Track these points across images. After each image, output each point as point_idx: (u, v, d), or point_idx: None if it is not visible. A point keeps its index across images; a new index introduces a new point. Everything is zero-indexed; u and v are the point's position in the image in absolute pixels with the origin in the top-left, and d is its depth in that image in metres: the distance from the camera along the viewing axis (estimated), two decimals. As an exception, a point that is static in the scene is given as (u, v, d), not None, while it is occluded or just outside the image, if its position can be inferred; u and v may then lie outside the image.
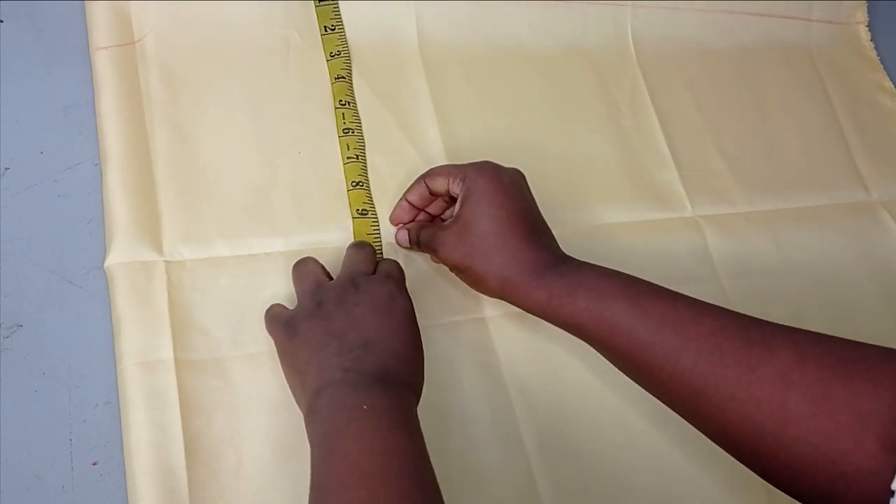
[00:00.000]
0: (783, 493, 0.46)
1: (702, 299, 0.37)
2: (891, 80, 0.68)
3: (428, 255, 0.47)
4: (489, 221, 0.41)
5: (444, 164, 0.45)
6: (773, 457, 0.33)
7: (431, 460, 0.42)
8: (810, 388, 0.31)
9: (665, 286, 0.39)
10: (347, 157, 0.49)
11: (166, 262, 0.43)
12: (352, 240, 0.47)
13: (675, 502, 0.46)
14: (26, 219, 0.43)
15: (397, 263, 0.44)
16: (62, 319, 0.41)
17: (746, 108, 0.62)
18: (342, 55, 0.51)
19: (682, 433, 0.47)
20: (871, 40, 0.70)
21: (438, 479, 0.41)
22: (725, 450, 0.36)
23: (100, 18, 0.47)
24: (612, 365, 0.39)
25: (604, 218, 0.53)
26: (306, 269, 0.43)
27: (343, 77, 0.51)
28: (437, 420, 0.43)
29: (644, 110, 0.59)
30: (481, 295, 0.48)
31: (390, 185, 0.49)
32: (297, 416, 0.41)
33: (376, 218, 0.47)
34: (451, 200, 0.44)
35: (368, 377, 0.37)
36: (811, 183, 0.61)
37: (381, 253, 0.47)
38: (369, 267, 0.43)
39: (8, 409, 0.39)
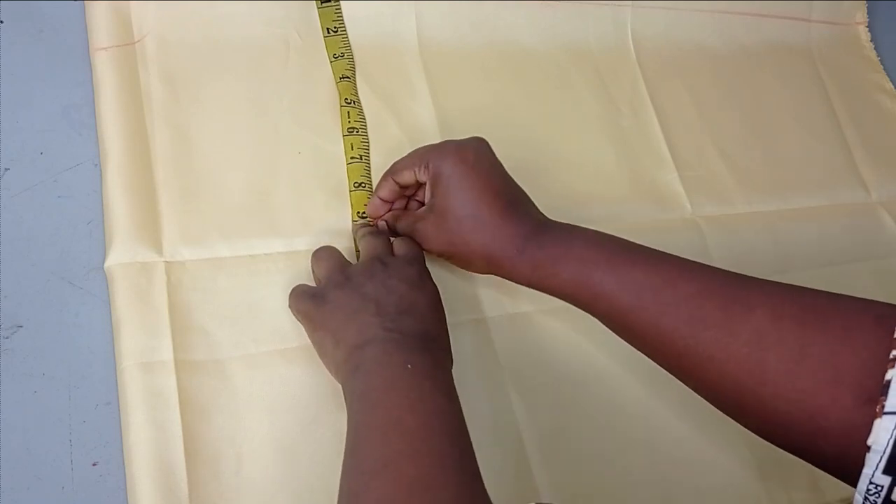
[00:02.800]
0: (780, 491, 0.46)
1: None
2: (891, 80, 0.68)
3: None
4: (462, 205, 0.41)
5: (408, 155, 0.44)
6: (754, 412, 0.33)
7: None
8: (787, 346, 0.32)
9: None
10: (351, 157, 0.49)
11: (166, 262, 0.43)
12: (352, 242, 0.46)
13: (675, 501, 0.46)
14: (26, 219, 0.43)
15: (415, 242, 0.44)
16: (62, 320, 0.41)
17: (746, 109, 0.62)
18: (346, 57, 0.51)
19: (683, 430, 0.47)
20: (871, 41, 0.70)
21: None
22: (711, 403, 0.36)
23: (100, 18, 0.47)
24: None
25: (604, 217, 0.53)
26: (327, 254, 0.44)
27: (347, 77, 0.51)
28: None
29: (644, 110, 0.59)
30: (481, 295, 0.48)
31: (390, 186, 0.49)
32: (296, 416, 0.42)
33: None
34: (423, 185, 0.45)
35: (411, 338, 0.38)
36: (811, 183, 0.61)
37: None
38: (390, 250, 0.44)
39: (8, 410, 0.39)
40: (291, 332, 0.43)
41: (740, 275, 0.36)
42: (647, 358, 0.47)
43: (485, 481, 0.43)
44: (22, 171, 0.44)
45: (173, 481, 0.38)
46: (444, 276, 0.47)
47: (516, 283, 0.41)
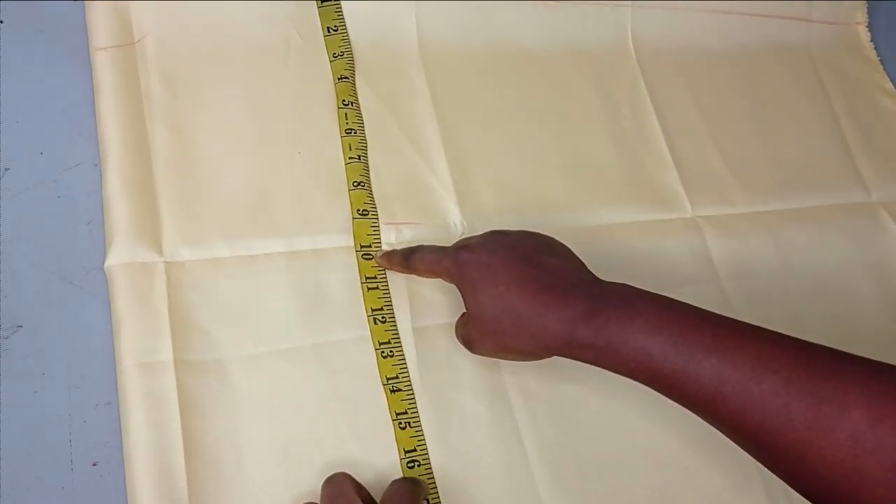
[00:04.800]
0: (781, 495, 0.46)
1: (733, 319, 0.37)
2: (891, 80, 0.68)
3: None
4: (494, 304, 0.39)
5: (427, 251, 0.44)
6: None
7: (431, 457, 0.42)
8: (886, 453, 0.30)
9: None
10: (349, 158, 0.49)
11: (166, 262, 0.43)
12: (352, 241, 0.46)
13: (675, 502, 0.46)
14: (26, 219, 0.43)
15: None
16: (62, 320, 0.41)
17: (746, 109, 0.62)
18: (345, 56, 0.51)
19: (683, 434, 0.47)
20: (871, 41, 0.70)
21: (438, 478, 0.42)
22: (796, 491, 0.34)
23: (99, 19, 0.47)
24: None
25: (604, 218, 0.53)
26: (339, 490, 0.38)
27: (346, 77, 0.51)
28: (438, 420, 0.43)
29: (644, 110, 0.59)
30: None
31: (390, 186, 0.49)
32: (296, 416, 0.42)
33: (377, 218, 0.48)
34: None
35: None
36: (811, 183, 0.61)
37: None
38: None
39: (8, 410, 0.39)
40: (291, 332, 0.43)
41: (829, 355, 0.34)
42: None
43: (484, 481, 0.43)
44: (22, 171, 0.44)
45: (173, 481, 0.38)
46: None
47: (583, 362, 0.39)
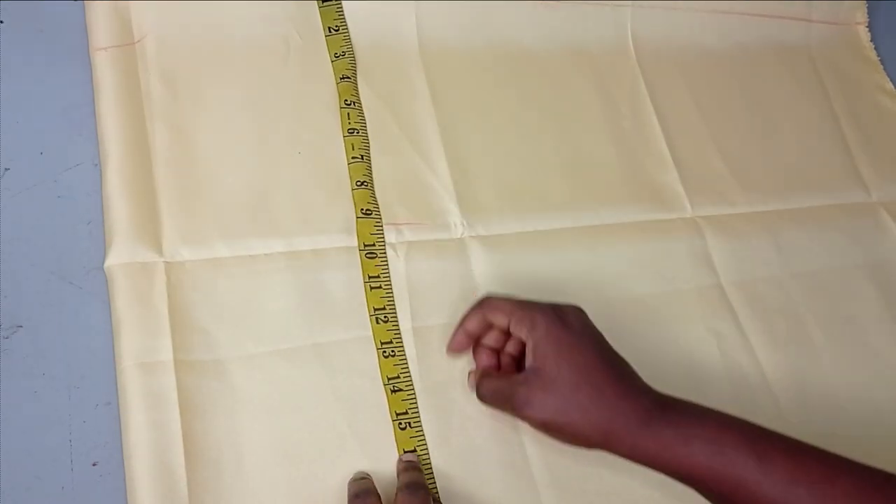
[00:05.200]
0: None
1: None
2: (891, 80, 0.68)
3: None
4: (576, 371, 0.38)
5: (501, 297, 0.42)
6: None
7: (431, 458, 0.42)
8: None
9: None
10: (352, 157, 0.49)
11: (166, 262, 0.43)
12: (352, 241, 0.46)
13: (675, 501, 0.46)
14: (26, 219, 0.43)
15: None
16: (62, 320, 0.41)
17: (746, 109, 0.62)
18: (346, 56, 0.51)
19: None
20: (872, 41, 0.70)
21: (438, 479, 0.42)
22: None
23: (99, 19, 0.47)
24: None
25: (604, 218, 0.53)
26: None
27: (348, 77, 0.51)
28: (438, 420, 0.43)
29: (644, 110, 0.59)
30: (481, 295, 0.48)
31: (390, 186, 0.49)
32: (296, 416, 0.42)
33: (380, 218, 0.48)
34: (508, 334, 0.42)
35: None
36: (811, 183, 0.61)
37: (385, 253, 0.47)
38: None
39: (8, 410, 0.39)
40: (291, 332, 0.43)
41: (887, 472, 0.35)
42: (645, 361, 0.47)
43: (485, 481, 0.43)
44: (22, 171, 0.44)
45: (173, 481, 0.38)
46: (443, 275, 0.47)
47: (635, 461, 0.38)
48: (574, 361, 0.38)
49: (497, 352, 0.43)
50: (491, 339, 0.43)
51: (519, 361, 0.43)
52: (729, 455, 0.35)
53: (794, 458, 0.35)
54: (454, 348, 0.43)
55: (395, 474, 0.42)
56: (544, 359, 0.39)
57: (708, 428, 0.36)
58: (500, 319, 0.41)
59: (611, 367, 0.39)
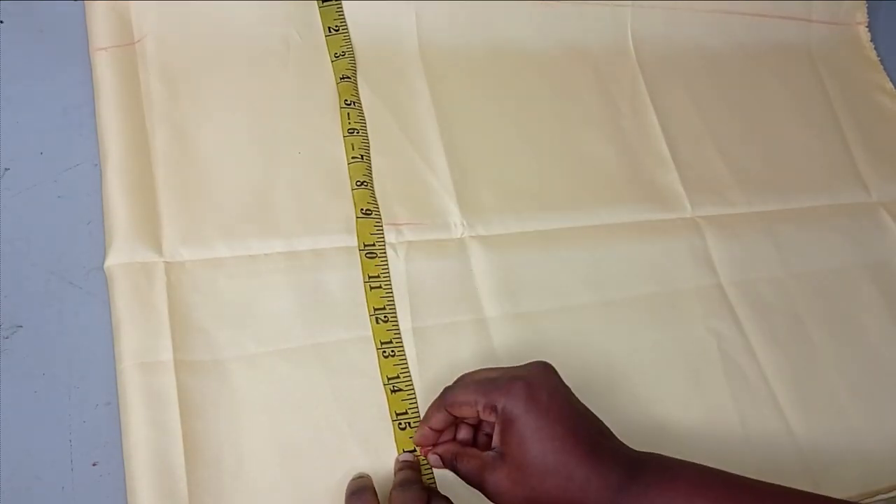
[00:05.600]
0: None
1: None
2: (891, 80, 0.68)
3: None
4: (544, 458, 0.36)
5: (463, 385, 0.40)
6: None
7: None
8: None
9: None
10: (352, 157, 0.49)
11: (166, 262, 0.43)
12: (352, 241, 0.46)
13: None
14: (26, 219, 0.43)
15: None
16: (62, 320, 0.41)
17: (746, 109, 0.62)
18: (347, 56, 0.51)
19: (685, 437, 0.47)
20: (872, 41, 0.70)
21: (438, 479, 0.42)
22: None
23: (100, 19, 0.47)
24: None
25: (604, 218, 0.53)
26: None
27: (348, 77, 0.51)
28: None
29: (644, 110, 0.59)
30: (481, 295, 0.48)
31: (390, 186, 0.49)
32: (296, 416, 0.42)
33: (380, 218, 0.48)
34: (479, 421, 0.40)
35: None
36: (811, 183, 0.61)
37: (385, 253, 0.47)
38: None
39: (8, 410, 0.39)
40: (291, 332, 0.43)
41: None
42: (645, 361, 0.47)
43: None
44: (22, 171, 0.44)
45: (173, 481, 0.38)
46: (442, 276, 0.47)
47: None
48: (543, 446, 0.36)
49: (474, 427, 0.41)
50: (462, 433, 0.41)
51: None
52: None
53: None
54: (419, 441, 0.41)
55: (392, 476, 0.42)
56: (509, 444, 0.37)
57: (678, 496, 0.35)
58: (465, 411, 0.39)
59: (580, 444, 0.36)
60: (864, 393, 0.52)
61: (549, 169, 0.54)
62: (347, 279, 0.46)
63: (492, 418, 0.38)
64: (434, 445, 0.41)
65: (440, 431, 0.41)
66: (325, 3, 0.52)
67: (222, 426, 0.40)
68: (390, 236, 0.47)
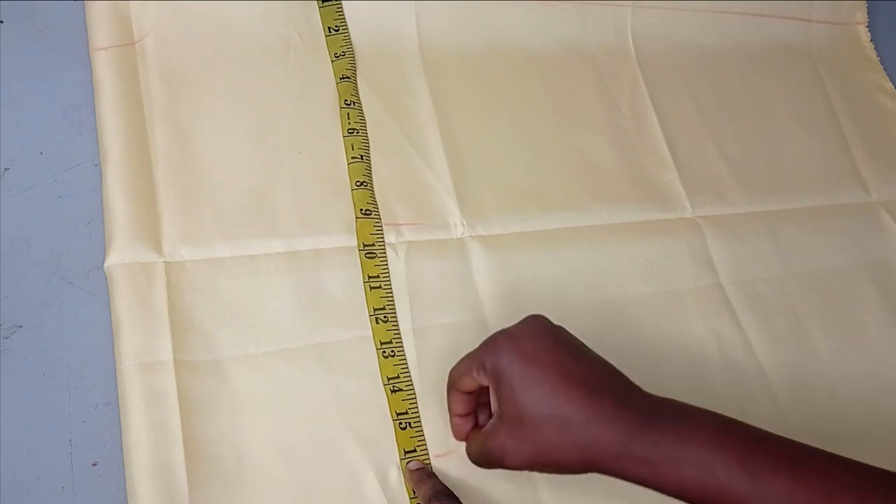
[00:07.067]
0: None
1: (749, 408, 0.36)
2: (891, 80, 0.68)
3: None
4: (536, 405, 0.34)
5: (461, 359, 0.39)
6: None
7: (432, 460, 0.42)
8: None
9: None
10: (352, 157, 0.49)
11: (166, 262, 0.43)
12: (352, 241, 0.46)
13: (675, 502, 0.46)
14: (26, 219, 0.43)
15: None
16: (62, 320, 0.41)
17: (746, 109, 0.62)
18: (346, 56, 0.51)
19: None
20: (871, 41, 0.70)
21: (439, 478, 0.42)
22: None
23: (100, 18, 0.47)
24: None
25: (604, 218, 0.53)
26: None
27: (348, 77, 0.51)
28: (438, 420, 0.43)
29: (644, 110, 0.59)
30: (482, 295, 0.48)
31: (390, 186, 0.49)
32: (296, 416, 0.42)
33: (379, 218, 0.48)
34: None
35: None
36: (811, 183, 0.61)
37: (385, 253, 0.47)
38: (449, 491, 0.38)
39: (8, 410, 0.39)
40: (291, 332, 0.43)
41: (887, 475, 0.33)
42: (645, 361, 0.47)
43: (485, 481, 0.43)
44: (22, 171, 0.44)
45: (173, 481, 0.38)
46: (442, 276, 0.47)
47: (625, 480, 0.35)
48: (532, 392, 0.34)
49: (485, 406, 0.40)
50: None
51: None
52: (721, 478, 0.32)
53: (791, 473, 0.32)
54: (456, 436, 0.41)
55: (402, 481, 0.41)
56: (502, 399, 0.36)
57: (697, 447, 0.33)
58: (467, 384, 0.38)
59: (576, 386, 0.34)
60: (863, 393, 0.52)
61: (549, 169, 0.54)
62: (347, 279, 0.46)
63: (484, 381, 0.37)
64: (466, 437, 0.40)
65: (467, 416, 0.40)
66: (325, 3, 0.52)
67: (222, 426, 0.40)
68: (390, 236, 0.47)
